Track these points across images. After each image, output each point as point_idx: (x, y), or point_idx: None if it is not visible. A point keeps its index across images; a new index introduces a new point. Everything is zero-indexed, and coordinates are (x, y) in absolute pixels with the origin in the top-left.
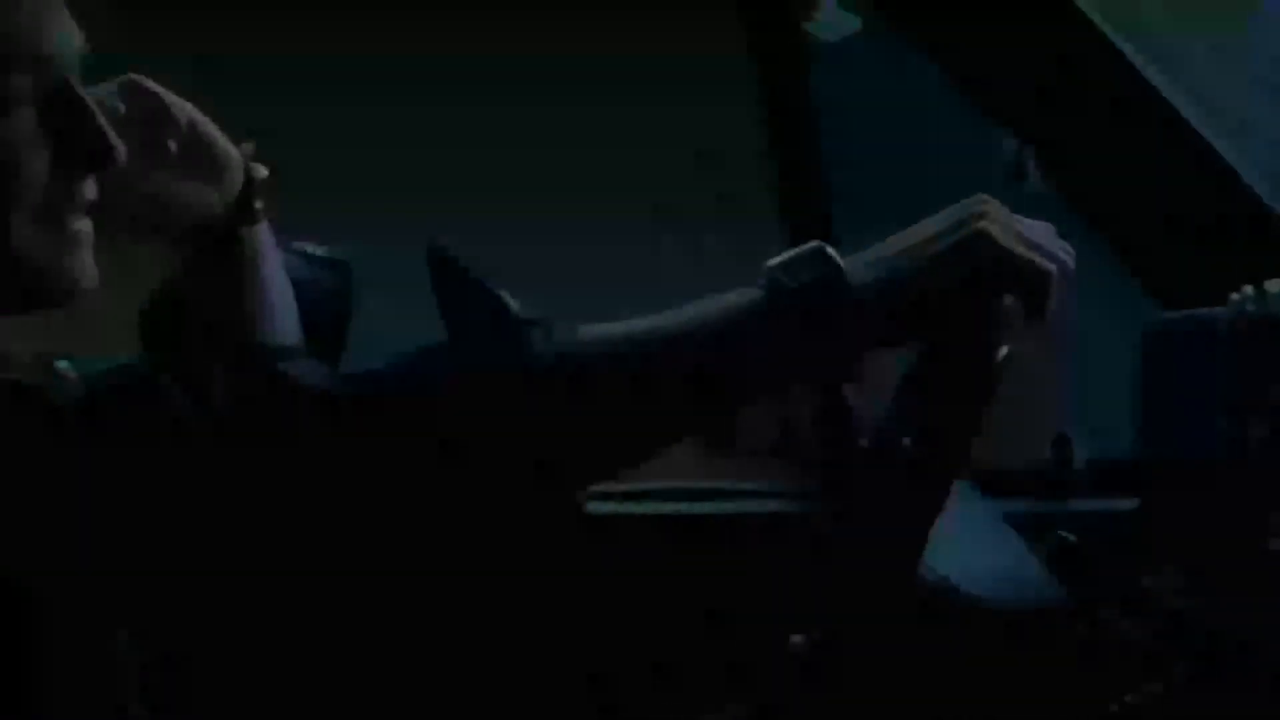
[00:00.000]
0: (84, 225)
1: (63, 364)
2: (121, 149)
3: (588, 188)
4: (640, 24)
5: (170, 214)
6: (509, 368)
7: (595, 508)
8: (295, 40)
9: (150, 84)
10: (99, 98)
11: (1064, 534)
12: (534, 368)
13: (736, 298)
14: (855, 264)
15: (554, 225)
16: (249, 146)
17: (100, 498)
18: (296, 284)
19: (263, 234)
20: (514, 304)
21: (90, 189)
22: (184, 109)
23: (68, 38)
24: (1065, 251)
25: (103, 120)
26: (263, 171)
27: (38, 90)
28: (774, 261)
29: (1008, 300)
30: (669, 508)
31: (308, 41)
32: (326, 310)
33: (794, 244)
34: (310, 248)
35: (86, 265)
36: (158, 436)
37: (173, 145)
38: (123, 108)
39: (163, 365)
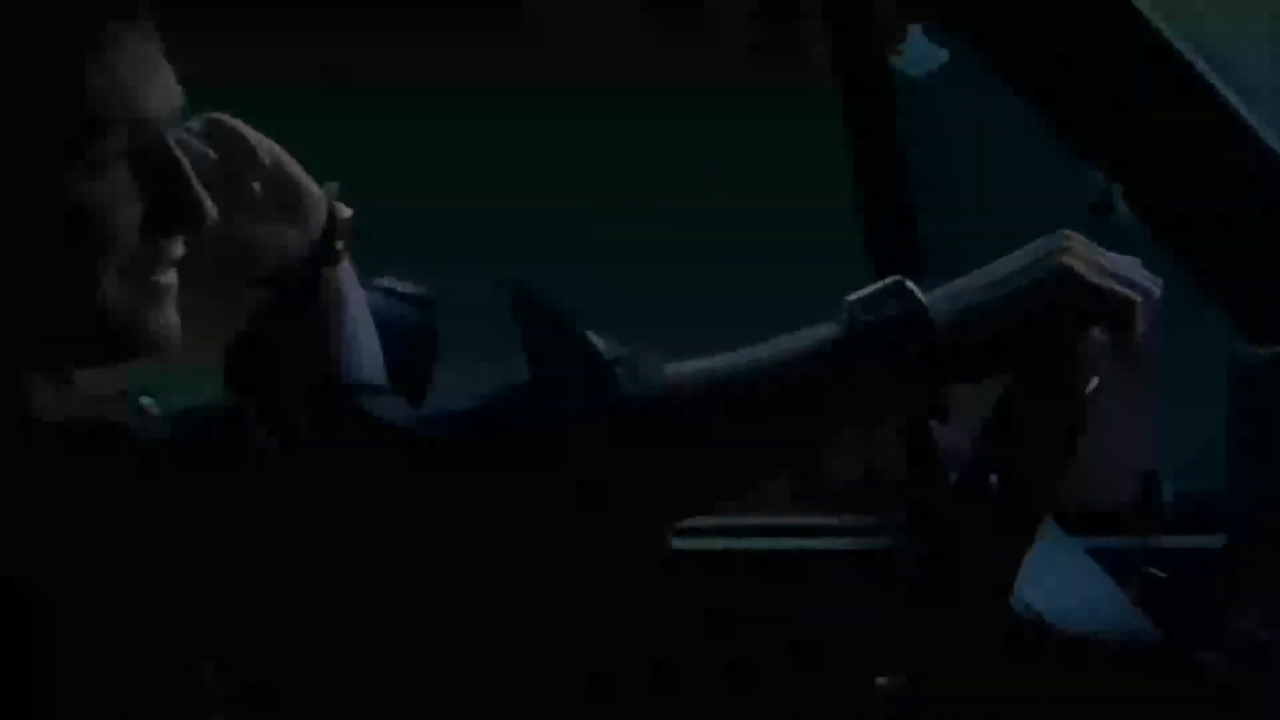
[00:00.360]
0: (169, 279)
1: (147, 400)
2: (213, 210)
3: (673, 221)
4: (725, 58)
5: (253, 255)
6: (595, 407)
7: (682, 544)
8: (374, 73)
9: (234, 123)
10: (186, 142)
11: (1151, 570)
12: (620, 407)
13: (818, 333)
14: (937, 298)
15: (638, 257)
16: (333, 186)
17: (185, 534)
18: (380, 321)
19: (346, 273)
20: (600, 343)
21: (179, 247)
22: (268, 148)
23: (167, 97)
24: (1152, 284)
25: (195, 181)
26: (346, 211)
27: (133, 150)
28: (855, 296)
29: (1094, 334)
30: (755, 544)
31: (385, 74)
32: (411, 348)
33: (879, 278)
34: (394, 284)
35: (171, 319)
36: (242, 473)
37: (257, 186)
38: (210, 151)
39: (247, 403)
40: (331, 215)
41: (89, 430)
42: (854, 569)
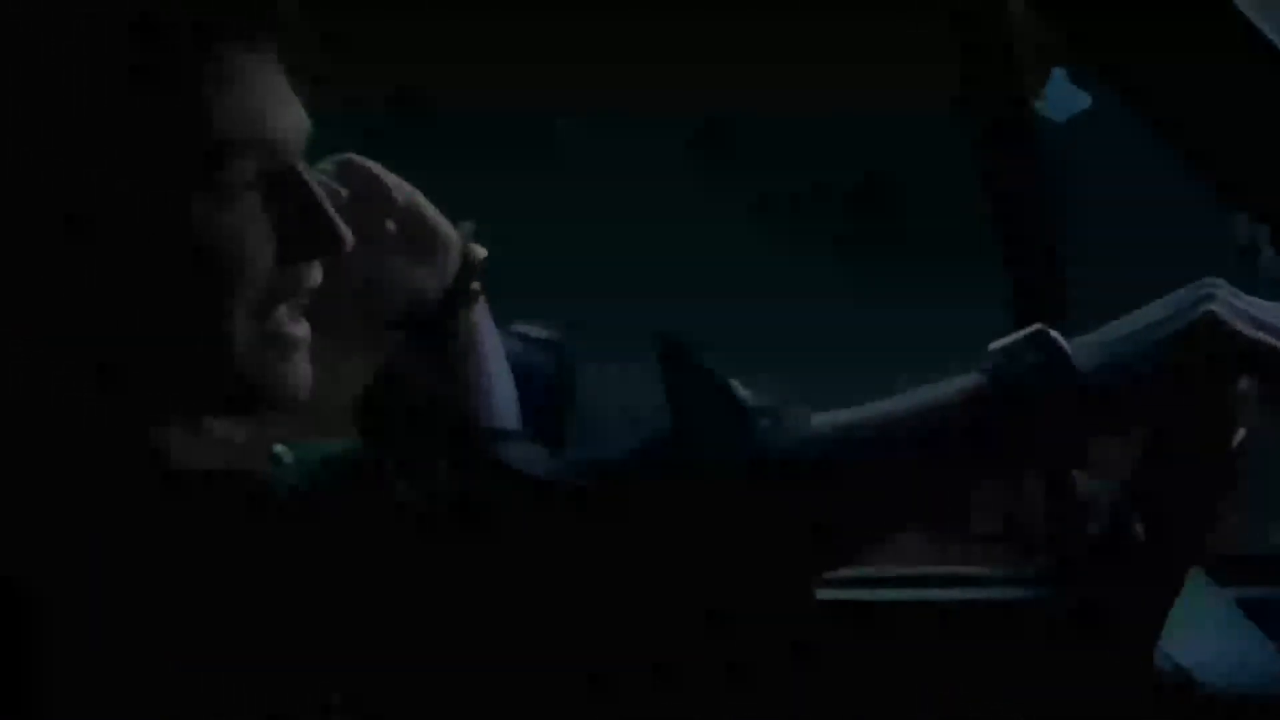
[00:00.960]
0: (302, 330)
1: (280, 448)
2: (348, 235)
3: (811, 267)
4: (864, 98)
5: (388, 297)
6: (738, 458)
7: (825, 595)
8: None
9: (367, 163)
10: (320, 181)
11: None
12: (763, 458)
13: (961, 382)
14: (1080, 348)
15: (778, 306)
16: (467, 226)
17: (321, 585)
18: (515, 367)
19: (481, 316)
20: (743, 393)
21: (314, 277)
22: (402, 189)
23: (295, 123)
24: None
25: (329, 207)
26: (481, 252)
27: (263, 176)
28: (997, 345)
29: (1242, 384)
30: (898, 594)
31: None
32: (545, 394)
33: (1022, 326)
34: (529, 329)
35: (303, 373)
36: (380, 524)
37: (391, 226)
38: (343, 191)
39: (382, 450)
40: (466, 256)
41: (223, 479)
42: (996, 621)
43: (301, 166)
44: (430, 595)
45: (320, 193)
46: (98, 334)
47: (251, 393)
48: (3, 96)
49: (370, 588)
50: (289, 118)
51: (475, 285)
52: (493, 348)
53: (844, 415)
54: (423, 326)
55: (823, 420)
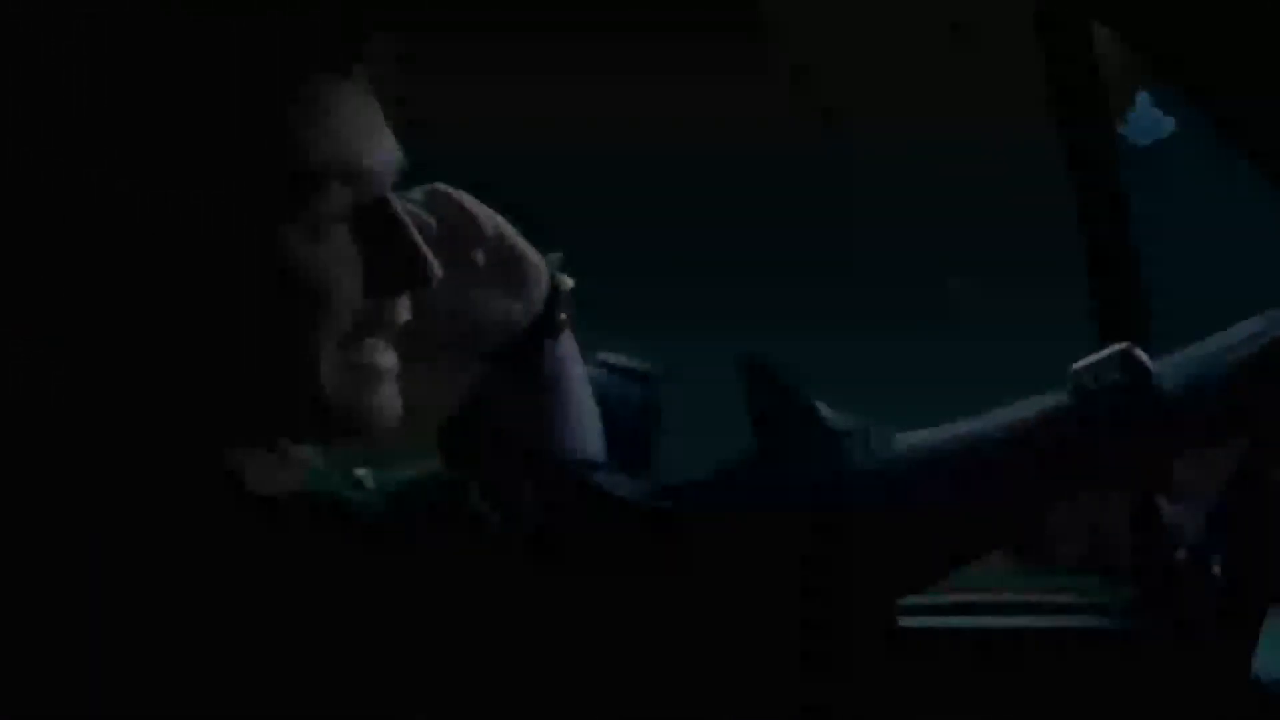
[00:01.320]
0: (389, 360)
1: (361, 472)
2: (437, 268)
3: (893, 288)
4: (944, 126)
5: (475, 327)
6: (824, 480)
7: (907, 621)
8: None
9: (456, 193)
10: (408, 210)
11: None
12: (849, 479)
13: (1044, 402)
14: (1165, 367)
15: (859, 327)
16: (555, 256)
17: (404, 611)
18: (601, 397)
19: (567, 346)
20: (828, 414)
21: (402, 310)
22: (491, 219)
23: (385, 153)
24: None
25: (419, 240)
26: (569, 282)
27: (353, 209)
28: (1080, 364)
29: None
30: (980, 621)
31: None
32: (631, 424)
33: (1104, 345)
34: (615, 359)
35: (391, 402)
36: (464, 549)
37: (479, 257)
38: (432, 221)
39: (470, 477)
40: (554, 286)
41: (303, 503)
42: (1081, 649)
43: (392, 198)
44: (514, 621)
45: (410, 225)
46: (185, 362)
47: (337, 422)
48: (96, 125)
49: (454, 614)
50: (381, 148)
51: (563, 316)
52: (579, 379)
53: (928, 435)
54: (510, 356)
55: (906, 440)
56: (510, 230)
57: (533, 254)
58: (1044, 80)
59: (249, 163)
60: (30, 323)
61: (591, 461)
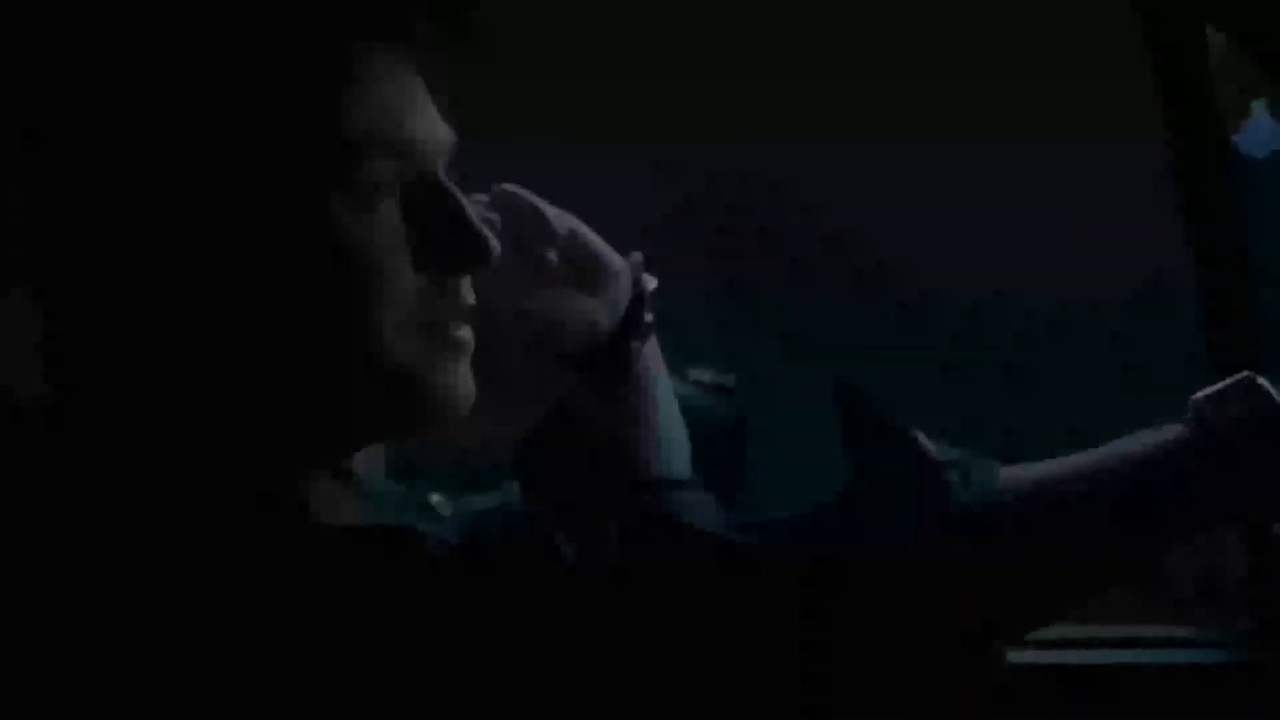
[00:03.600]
0: (459, 335)
1: (436, 499)
2: (495, 246)
3: (997, 314)
4: (1054, 131)
5: (552, 333)
6: (926, 515)
7: (1017, 658)
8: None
9: (524, 193)
10: (475, 205)
11: None
12: (952, 515)
13: (1163, 434)
14: None
15: (958, 357)
16: (637, 256)
17: (478, 650)
18: (689, 414)
19: (652, 355)
20: (930, 446)
21: (466, 291)
22: (563, 219)
23: (433, 129)
24: None
25: (471, 213)
26: (652, 282)
27: (402, 182)
28: (1201, 394)
29: None
30: (1092, 656)
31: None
32: (718, 443)
33: (1222, 374)
34: (702, 374)
35: (465, 378)
36: (542, 586)
37: (551, 255)
38: (497, 218)
39: (548, 506)
40: (638, 287)
41: (375, 535)
42: (1195, 685)
43: (443, 174)
44: (587, 658)
45: (464, 201)
46: (244, 352)
47: (409, 401)
48: (133, 96)
49: (527, 649)
50: (426, 122)
51: (649, 317)
52: (664, 389)
53: (1036, 468)
54: (595, 361)
55: (1012, 474)
56: (584, 229)
57: (610, 253)
58: (1154, 91)
59: (293, 130)
60: (73, 316)
61: (678, 481)
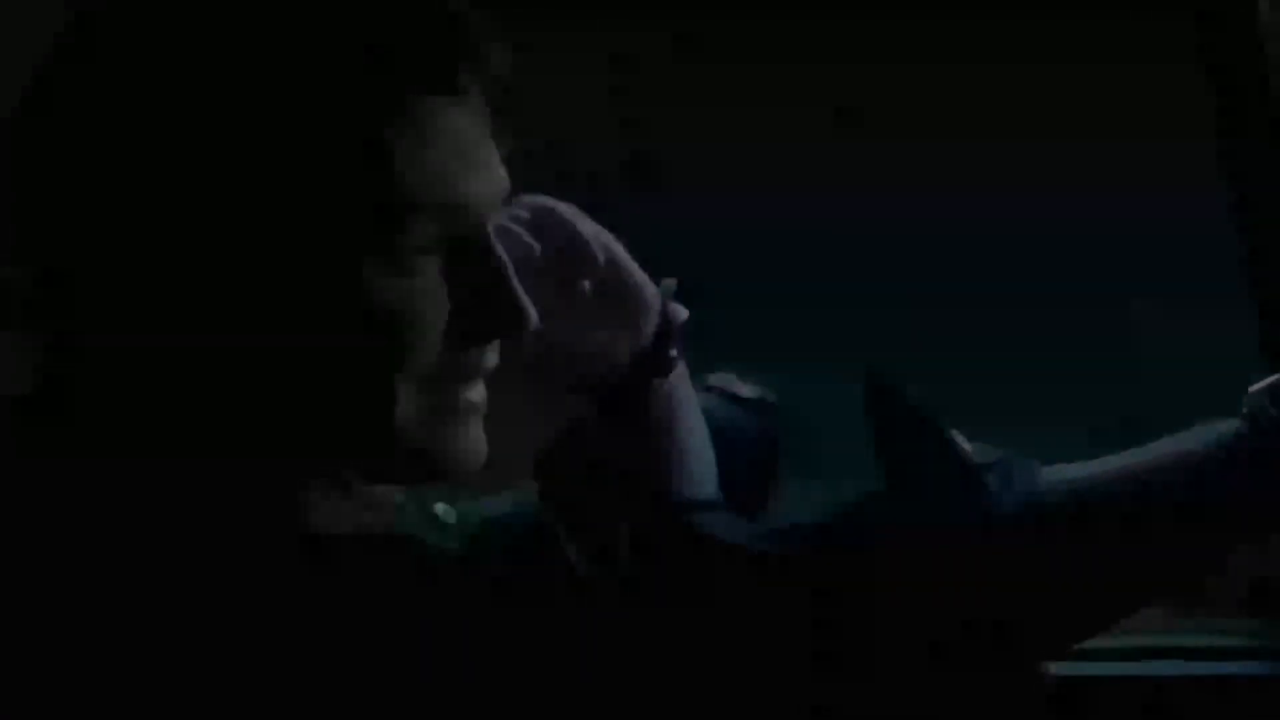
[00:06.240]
0: (477, 395)
1: (442, 508)
2: (534, 317)
3: (1042, 311)
4: (1109, 134)
5: (575, 361)
6: (963, 520)
7: (1061, 669)
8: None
9: (567, 211)
10: (509, 230)
11: None
12: (992, 519)
13: (1214, 430)
14: None
15: (998, 351)
16: (670, 283)
17: (483, 663)
18: (715, 428)
19: (679, 382)
20: (967, 446)
21: (492, 358)
22: (602, 243)
23: (488, 185)
24: None
25: (516, 283)
26: (682, 313)
27: (446, 242)
28: (1257, 388)
29: None
30: (1137, 668)
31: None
32: (749, 458)
33: (1277, 367)
34: (730, 385)
35: (476, 442)
36: (550, 597)
37: (586, 285)
38: (537, 247)
39: (559, 516)
40: (666, 317)
41: (378, 546)
42: (1245, 697)
43: (490, 235)
44: (602, 671)
45: (508, 265)
46: (260, 398)
47: (420, 464)
48: (177, 143)
49: (536, 663)
50: (483, 179)
51: (674, 352)
52: (691, 418)
53: (1081, 469)
54: (615, 393)
55: (1056, 475)
56: (622, 254)
57: (644, 282)
58: (1206, 84)
59: (328, 182)
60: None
61: (703, 503)
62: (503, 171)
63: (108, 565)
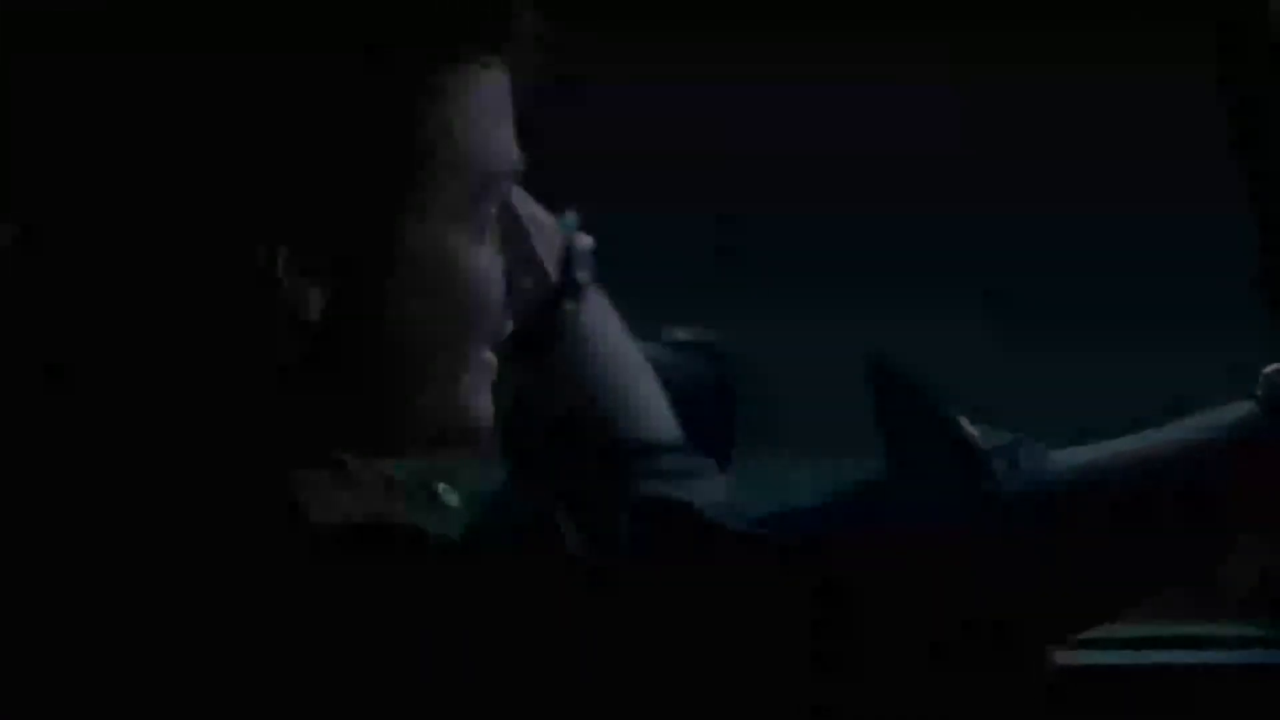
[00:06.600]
0: (490, 356)
1: (443, 487)
2: (554, 275)
3: (1052, 290)
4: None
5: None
6: (968, 505)
7: (1066, 659)
8: None
9: None
10: None
11: None
12: (997, 504)
13: (1228, 413)
14: None
15: (1009, 327)
16: (572, 216)
17: (485, 647)
18: (668, 378)
19: (596, 312)
20: (973, 429)
21: (510, 320)
22: None
23: (510, 152)
24: None
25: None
26: (587, 240)
27: (473, 204)
28: (1272, 368)
29: None
30: (1143, 657)
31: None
32: (704, 407)
33: None
34: (679, 333)
35: (489, 403)
36: (548, 578)
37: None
38: None
39: (543, 495)
40: (569, 245)
41: (374, 532)
42: (1254, 687)
43: (512, 203)
44: (600, 653)
45: (531, 232)
46: (333, 382)
47: (438, 431)
48: (249, 131)
49: (535, 648)
50: (506, 144)
51: (582, 276)
52: (623, 350)
53: (1088, 452)
54: (532, 335)
55: (1063, 458)
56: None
57: (540, 215)
58: (1211, 43)
59: (418, 160)
60: (141, 323)
61: (661, 445)
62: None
63: (102, 544)
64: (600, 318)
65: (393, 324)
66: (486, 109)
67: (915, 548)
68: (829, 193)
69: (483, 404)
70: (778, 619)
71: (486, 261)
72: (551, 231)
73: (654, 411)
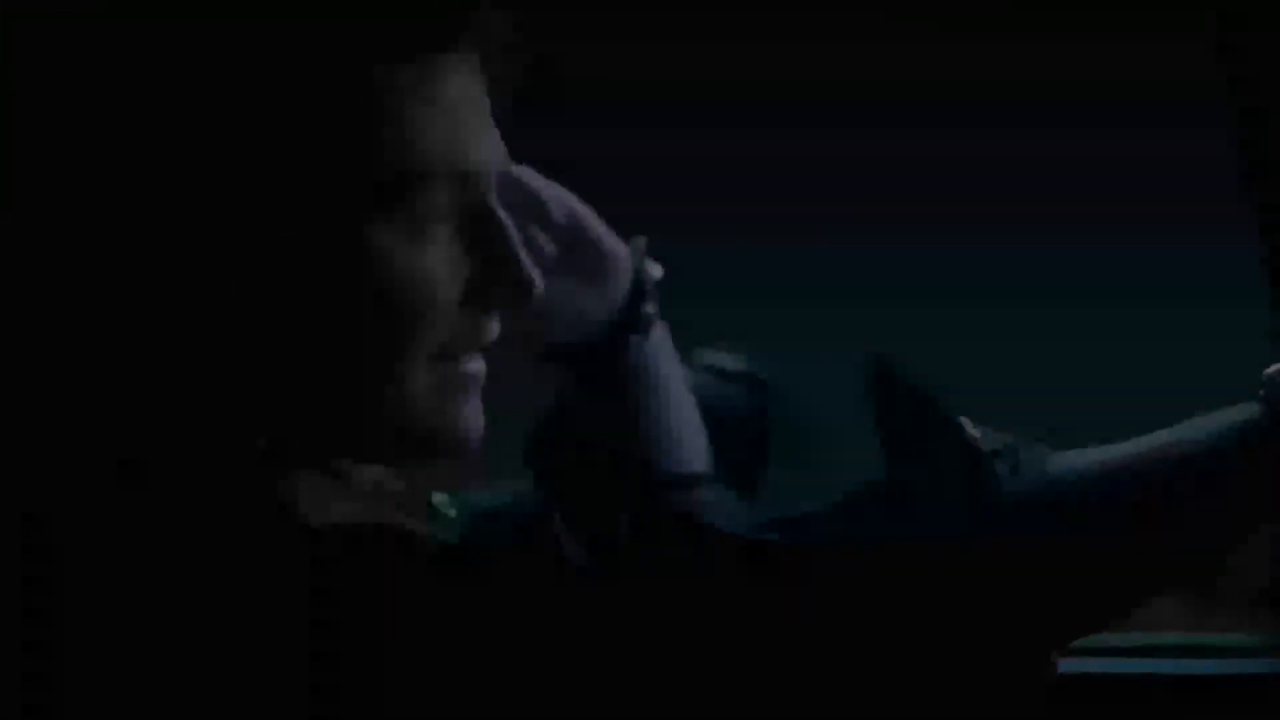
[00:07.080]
0: (478, 366)
1: (440, 498)
2: (540, 285)
3: (1052, 296)
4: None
5: (546, 325)
6: (969, 508)
7: (1069, 667)
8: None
9: (521, 172)
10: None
11: None
12: (999, 507)
13: (1230, 415)
14: None
15: (1007, 325)
16: (641, 241)
17: (482, 658)
18: (705, 405)
19: (657, 344)
20: (974, 431)
21: (494, 328)
22: (562, 202)
23: (490, 151)
24: None
25: (521, 249)
26: (657, 270)
27: (456, 210)
28: (1274, 369)
29: None
30: (1145, 665)
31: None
32: (740, 435)
33: None
34: (721, 361)
35: (477, 416)
36: (547, 590)
37: (547, 246)
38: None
39: (554, 503)
40: (639, 275)
41: (371, 536)
42: (1261, 696)
43: (494, 202)
44: (599, 664)
45: (514, 234)
46: (262, 379)
47: (425, 440)
48: (173, 120)
49: (532, 656)
50: (486, 145)
51: (649, 309)
52: (674, 382)
53: (1091, 454)
54: (589, 358)
55: (1065, 460)
56: (585, 213)
57: (611, 240)
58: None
59: (338, 148)
60: (94, 325)
61: (693, 477)
62: (500, 139)
63: (103, 545)
64: (664, 356)
65: (335, 329)
66: (447, 108)
67: (918, 550)
68: (829, 193)
69: (452, 414)
70: (778, 620)
71: (430, 263)
72: (621, 257)
73: (692, 447)
